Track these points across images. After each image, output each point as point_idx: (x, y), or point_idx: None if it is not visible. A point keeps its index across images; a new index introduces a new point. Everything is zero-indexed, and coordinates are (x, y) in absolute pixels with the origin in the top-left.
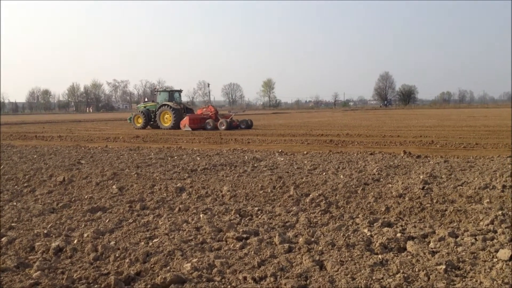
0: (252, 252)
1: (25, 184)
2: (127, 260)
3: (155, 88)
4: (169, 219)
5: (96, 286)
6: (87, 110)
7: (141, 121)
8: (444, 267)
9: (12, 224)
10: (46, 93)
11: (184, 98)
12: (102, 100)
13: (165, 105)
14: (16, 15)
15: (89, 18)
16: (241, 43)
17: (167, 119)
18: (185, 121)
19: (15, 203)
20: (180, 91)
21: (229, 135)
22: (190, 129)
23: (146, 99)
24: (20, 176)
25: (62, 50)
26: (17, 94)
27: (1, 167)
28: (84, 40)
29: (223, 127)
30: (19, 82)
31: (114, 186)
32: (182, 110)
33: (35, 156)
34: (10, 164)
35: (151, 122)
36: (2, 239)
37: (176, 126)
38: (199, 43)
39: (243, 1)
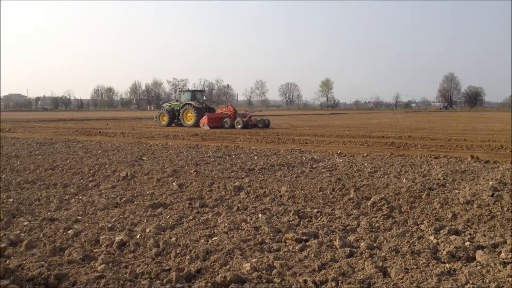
0: (312, 255)
1: (90, 179)
2: (187, 257)
3: (179, 88)
4: (228, 218)
5: (158, 281)
6: (148, 108)
7: (166, 119)
8: None
9: (78, 217)
10: (110, 90)
11: (241, 97)
12: (162, 98)
13: (188, 104)
14: (83, 18)
15: (151, 19)
16: (298, 42)
17: (190, 117)
18: (204, 119)
19: (81, 197)
20: (203, 91)
21: (287, 135)
22: (208, 127)
23: (204, 98)
24: (86, 171)
25: (125, 50)
26: (82, 91)
27: (68, 161)
28: (146, 40)
29: (239, 126)
30: (84, 80)
31: (174, 183)
32: (204, 109)
33: (99, 152)
34: (76, 159)
35: (175, 120)
36: (69, 232)
37: (197, 124)
38: (256, 43)
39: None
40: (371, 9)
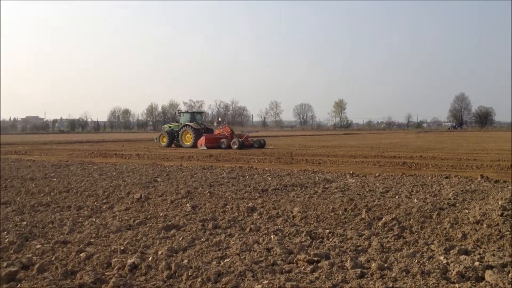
0: (324, 276)
1: (104, 201)
2: (199, 279)
3: (179, 110)
4: (241, 239)
5: None
6: None
7: (165, 140)
8: None
9: (91, 240)
10: (126, 112)
11: (256, 118)
12: (178, 120)
13: (187, 125)
14: (101, 42)
15: (168, 42)
16: (313, 63)
17: (188, 138)
18: (202, 140)
19: (94, 219)
20: (202, 113)
21: (300, 156)
22: (205, 147)
23: (219, 119)
24: (100, 193)
25: (142, 72)
26: (99, 114)
27: (82, 184)
28: (162, 62)
29: (235, 146)
30: (101, 103)
31: (188, 205)
32: (202, 130)
33: (114, 174)
34: (91, 181)
35: (175, 141)
36: (81, 255)
37: (196, 145)
38: (271, 64)
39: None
40: (384, 30)
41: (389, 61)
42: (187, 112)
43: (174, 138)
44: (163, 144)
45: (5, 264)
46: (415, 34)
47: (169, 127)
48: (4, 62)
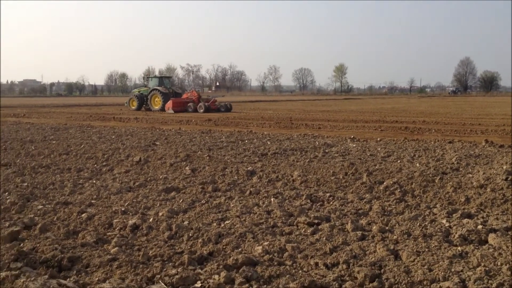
0: (324, 238)
1: (104, 163)
2: (200, 240)
3: (147, 75)
4: (240, 202)
5: (170, 264)
6: None
7: (135, 104)
8: None
9: (92, 201)
10: (124, 76)
11: (255, 83)
12: (175, 84)
13: (155, 89)
14: (98, 4)
15: (165, 4)
16: (313, 26)
17: (157, 102)
18: (169, 104)
19: (94, 181)
20: (169, 77)
21: (300, 120)
22: (173, 111)
23: (217, 83)
24: (99, 156)
25: (139, 35)
26: (96, 77)
27: (82, 146)
28: (158, 27)
29: (201, 110)
30: (98, 66)
31: (187, 168)
32: (170, 94)
33: (113, 137)
34: (90, 144)
35: (144, 105)
36: (83, 215)
37: (164, 108)
38: (270, 28)
39: None
40: None
41: (391, 25)
42: (155, 76)
43: (143, 101)
44: (133, 107)
45: (7, 224)
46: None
47: (139, 91)
48: (3, 26)
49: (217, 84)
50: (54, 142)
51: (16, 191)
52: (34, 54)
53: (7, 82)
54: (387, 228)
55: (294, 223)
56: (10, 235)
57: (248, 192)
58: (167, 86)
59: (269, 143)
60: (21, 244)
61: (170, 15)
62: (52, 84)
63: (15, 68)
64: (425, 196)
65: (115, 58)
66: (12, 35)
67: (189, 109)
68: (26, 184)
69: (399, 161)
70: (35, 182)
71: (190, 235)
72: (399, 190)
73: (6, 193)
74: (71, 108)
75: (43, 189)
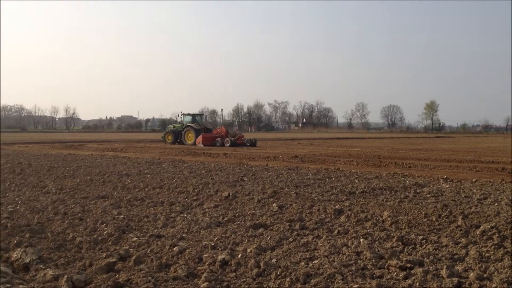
0: (417, 284)
1: (195, 198)
2: (288, 279)
3: (182, 112)
4: (329, 241)
5: None
6: (249, 130)
7: (171, 138)
8: None
9: (183, 235)
10: (213, 112)
11: (341, 120)
12: (263, 120)
13: (189, 126)
14: (195, 43)
15: (256, 43)
16: (401, 62)
17: (190, 137)
18: (199, 139)
19: (185, 215)
20: (202, 115)
21: (388, 159)
22: (202, 145)
23: (304, 120)
24: (190, 190)
25: (229, 73)
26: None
27: (174, 180)
28: (249, 63)
29: (228, 144)
30: (192, 103)
31: (274, 204)
32: (202, 130)
33: (203, 172)
34: (182, 178)
35: (178, 140)
36: (174, 249)
37: (195, 142)
38: (357, 64)
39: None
40: (481, 28)
41: (485, 60)
42: (188, 114)
43: (178, 136)
44: (169, 141)
45: (104, 254)
46: None
47: (173, 127)
48: (104, 67)
49: (304, 120)
50: (148, 176)
51: (113, 223)
52: (131, 94)
53: (106, 118)
54: (485, 275)
55: (385, 266)
56: (107, 265)
57: (336, 231)
58: (199, 122)
59: (357, 181)
60: (117, 276)
61: (262, 52)
62: (147, 120)
63: (114, 105)
64: None
65: (206, 95)
66: (111, 74)
67: (217, 143)
68: (122, 216)
69: (496, 204)
70: (130, 215)
71: (278, 273)
72: (497, 235)
73: (104, 225)
74: (164, 143)
75: (138, 221)
